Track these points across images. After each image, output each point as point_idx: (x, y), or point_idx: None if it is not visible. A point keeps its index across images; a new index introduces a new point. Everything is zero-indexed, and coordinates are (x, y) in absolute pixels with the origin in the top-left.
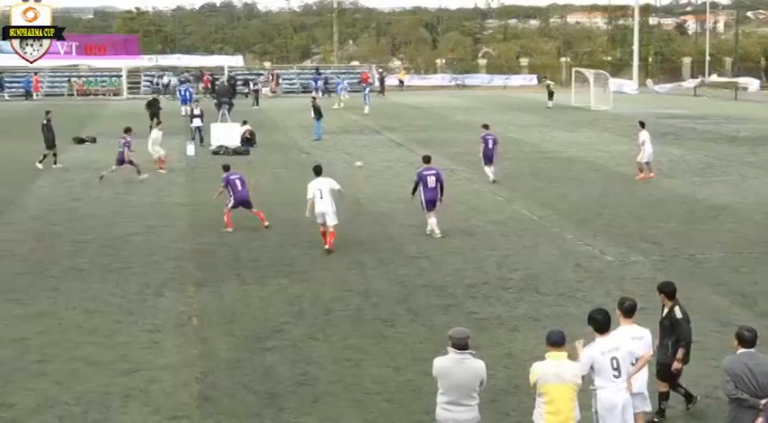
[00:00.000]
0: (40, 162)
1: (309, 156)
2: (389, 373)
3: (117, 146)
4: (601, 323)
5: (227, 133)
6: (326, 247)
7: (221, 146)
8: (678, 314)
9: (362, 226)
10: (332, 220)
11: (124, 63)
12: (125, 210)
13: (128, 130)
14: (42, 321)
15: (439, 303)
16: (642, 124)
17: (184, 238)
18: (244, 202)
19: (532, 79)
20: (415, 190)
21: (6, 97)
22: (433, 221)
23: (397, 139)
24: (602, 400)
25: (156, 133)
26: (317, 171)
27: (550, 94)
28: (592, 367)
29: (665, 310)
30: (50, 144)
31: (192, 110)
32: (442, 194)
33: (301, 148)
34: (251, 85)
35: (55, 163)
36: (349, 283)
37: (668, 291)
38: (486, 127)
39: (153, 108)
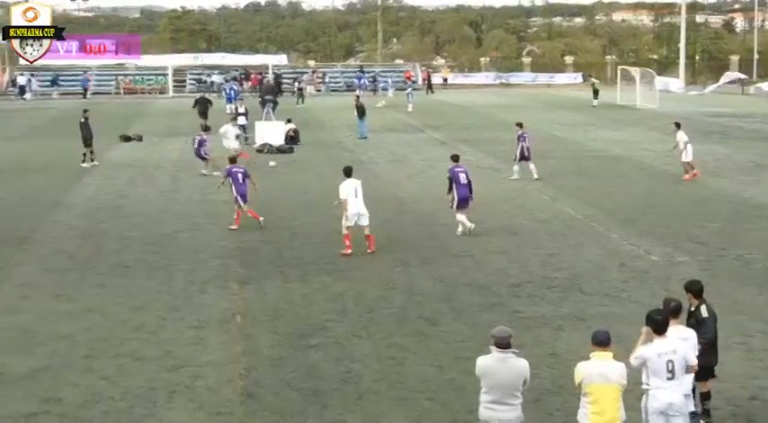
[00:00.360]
0: (84, 162)
1: (353, 154)
2: (433, 372)
3: (193, 143)
4: (659, 324)
5: (271, 131)
6: (369, 251)
7: (265, 144)
8: (704, 313)
9: (405, 225)
10: (365, 221)
11: (170, 61)
12: (171, 207)
13: (206, 129)
14: (89, 317)
15: (482, 302)
16: (678, 125)
17: (229, 236)
18: (242, 196)
19: (577, 77)
20: (450, 189)
21: (55, 96)
22: (462, 218)
23: (441, 138)
24: (654, 400)
25: (225, 128)
26: (348, 172)
27: (595, 93)
28: (645, 366)
29: (692, 309)
30: (88, 142)
31: (236, 108)
32: (471, 192)
33: (345, 146)
34: (296, 84)
35: (92, 160)
36: (392, 281)
37: (695, 289)
38: (520, 125)
39: (202, 106)
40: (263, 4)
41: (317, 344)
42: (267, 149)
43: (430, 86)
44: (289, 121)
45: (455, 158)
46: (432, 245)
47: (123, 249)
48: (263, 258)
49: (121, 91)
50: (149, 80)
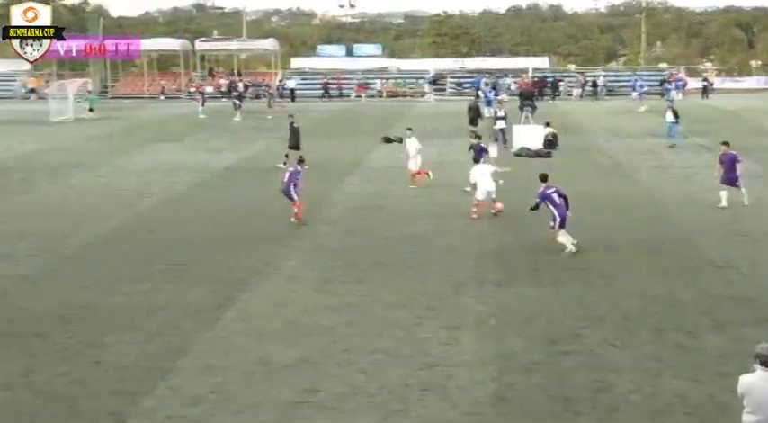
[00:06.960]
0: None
1: (613, 159)
2: (691, 387)
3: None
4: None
5: (529, 135)
6: (493, 211)
7: (523, 147)
8: None
9: (666, 233)
10: (493, 195)
11: (431, 65)
12: (428, 208)
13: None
14: (349, 312)
15: (748, 316)
16: None
17: (485, 238)
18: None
19: None
20: (536, 208)
21: (323, 100)
22: (564, 238)
23: (705, 144)
24: None
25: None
26: (475, 160)
27: None
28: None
29: None
30: (291, 145)
31: (495, 112)
32: (567, 209)
33: (605, 151)
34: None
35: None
36: (650, 290)
37: None
38: (725, 144)
39: (473, 113)
40: (524, 7)
41: (570, 351)
42: (525, 153)
43: (705, 91)
44: (548, 124)
45: (543, 178)
46: (694, 255)
47: (382, 248)
48: (518, 261)
49: (384, 94)
50: (410, 84)
